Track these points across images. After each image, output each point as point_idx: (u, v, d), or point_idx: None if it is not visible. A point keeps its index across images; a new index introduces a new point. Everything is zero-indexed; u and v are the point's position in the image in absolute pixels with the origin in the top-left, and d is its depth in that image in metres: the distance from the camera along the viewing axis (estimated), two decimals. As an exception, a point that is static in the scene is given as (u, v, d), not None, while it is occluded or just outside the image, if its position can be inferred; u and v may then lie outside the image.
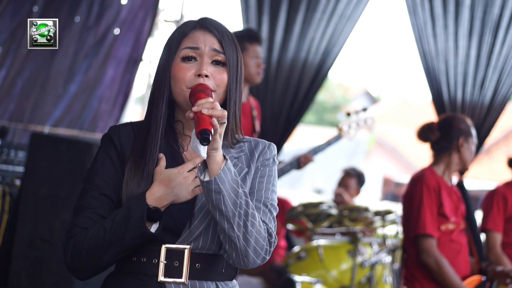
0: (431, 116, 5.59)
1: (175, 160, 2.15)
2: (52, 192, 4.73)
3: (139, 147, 2.13)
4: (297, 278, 5.35)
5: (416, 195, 4.39)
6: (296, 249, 6.28)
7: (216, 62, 2.14)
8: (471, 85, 5.60)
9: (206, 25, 2.18)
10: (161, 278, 2.08)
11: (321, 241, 5.96)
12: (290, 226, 6.26)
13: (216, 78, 2.13)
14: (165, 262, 2.07)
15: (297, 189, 19.16)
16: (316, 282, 5.42)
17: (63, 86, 6.75)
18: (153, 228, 2.06)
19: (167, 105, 2.16)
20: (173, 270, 2.08)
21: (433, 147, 4.57)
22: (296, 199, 8.56)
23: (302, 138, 19.36)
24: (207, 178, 1.99)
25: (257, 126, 5.00)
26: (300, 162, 4.92)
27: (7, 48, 6.07)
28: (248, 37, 4.86)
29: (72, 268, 2.10)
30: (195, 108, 1.96)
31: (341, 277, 5.79)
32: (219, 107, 1.97)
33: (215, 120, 1.95)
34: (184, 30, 2.18)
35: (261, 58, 4.87)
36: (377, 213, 5.84)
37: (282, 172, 4.92)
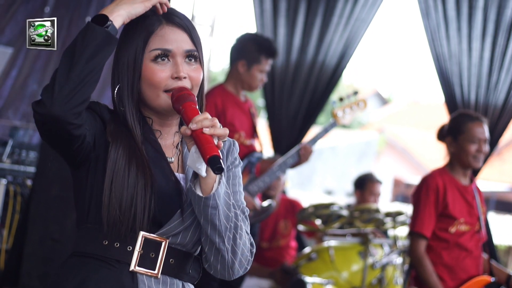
0: (442, 117, 5.56)
1: (157, 151, 2.05)
2: (63, 192, 4.73)
3: (121, 132, 2.01)
4: (308, 279, 5.33)
5: (417, 194, 4.47)
6: (307, 250, 6.26)
7: (189, 59, 2.03)
8: (484, 87, 5.55)
9: (174, 20, 2.04)
10: (133, 267, 1.97)
11: (332, 242, 5.94)
12: (301, 227, 6.24)
13: (192, 78, 2.02)
14: (141, 251, 1.97)
15: (308, 190, 19.14)
16: (326, 283, 5.40)
17: (74, 87, 6.76)
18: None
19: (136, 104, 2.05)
20: (147, 261, 1.98)
21: (447, 148, 4.53)
22: (306, 200, 8.55)
23: (312, 139, 19.26)
24: (199, 192, 1.90)
25: (256, 124, 4.96)
26: (300, 155, 4.90)
27: (18, 49, 6.09)
28: (267, 51, 4.70)
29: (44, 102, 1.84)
30: (193, 126, 1.85)
31: (352, 278, 5.77)
32: (218, 124, 1.87)
33: (221, 142, 1.86)
34: (150, 27, 2.02)
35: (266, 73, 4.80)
36: (387, 214, 5.82)
37: (285, 165, 4.88)
